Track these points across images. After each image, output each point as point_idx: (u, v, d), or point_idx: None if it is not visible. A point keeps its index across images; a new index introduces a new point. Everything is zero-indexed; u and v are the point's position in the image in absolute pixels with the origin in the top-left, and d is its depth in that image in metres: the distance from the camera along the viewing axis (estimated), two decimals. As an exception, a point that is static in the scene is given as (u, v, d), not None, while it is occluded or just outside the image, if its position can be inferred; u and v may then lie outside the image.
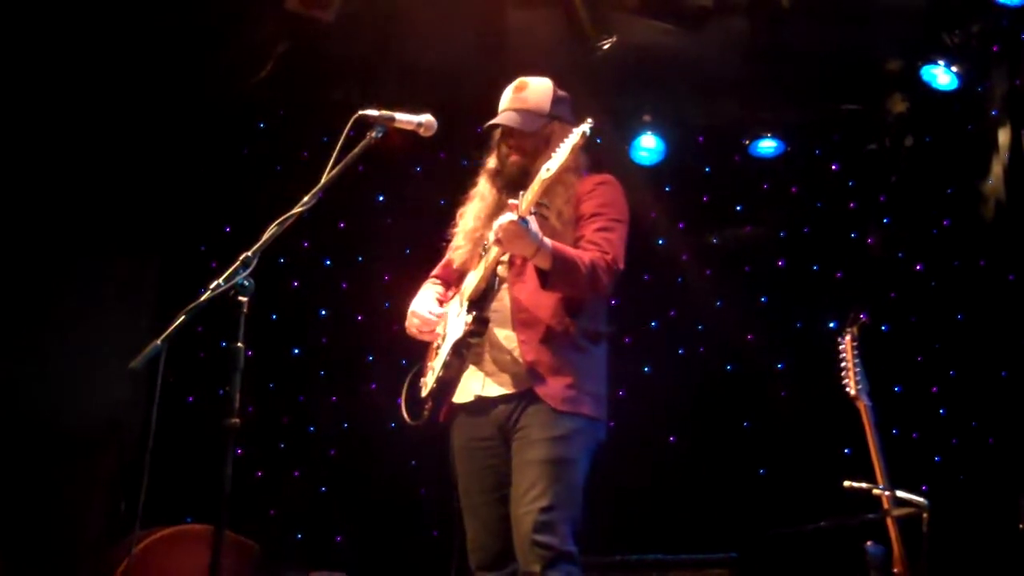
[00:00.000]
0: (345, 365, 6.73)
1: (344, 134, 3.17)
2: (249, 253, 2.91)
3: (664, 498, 6.17)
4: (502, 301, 3.56)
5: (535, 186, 3.27)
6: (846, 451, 5.68)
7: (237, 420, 2.83)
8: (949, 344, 6.25)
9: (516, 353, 3.50)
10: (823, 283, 6.57)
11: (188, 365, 5.95)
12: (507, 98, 3.75)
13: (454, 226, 3.85)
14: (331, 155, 3.16)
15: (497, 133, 3.75)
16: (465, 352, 3.55)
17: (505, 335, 3.54)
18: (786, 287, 6.67)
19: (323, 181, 3.12)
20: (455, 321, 3.57)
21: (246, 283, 2.87)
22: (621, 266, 3.55)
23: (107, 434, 5.89)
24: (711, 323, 6.73)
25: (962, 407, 6.13)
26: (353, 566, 5.34)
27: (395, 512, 6.44)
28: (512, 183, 3.59)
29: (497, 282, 3.52)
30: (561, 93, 3.78)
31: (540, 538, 3.26)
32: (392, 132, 3.33)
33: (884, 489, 4.23)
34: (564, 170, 3.39)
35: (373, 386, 6.67)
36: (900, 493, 4.23)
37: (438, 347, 3.65)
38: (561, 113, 3.72)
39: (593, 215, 3.60)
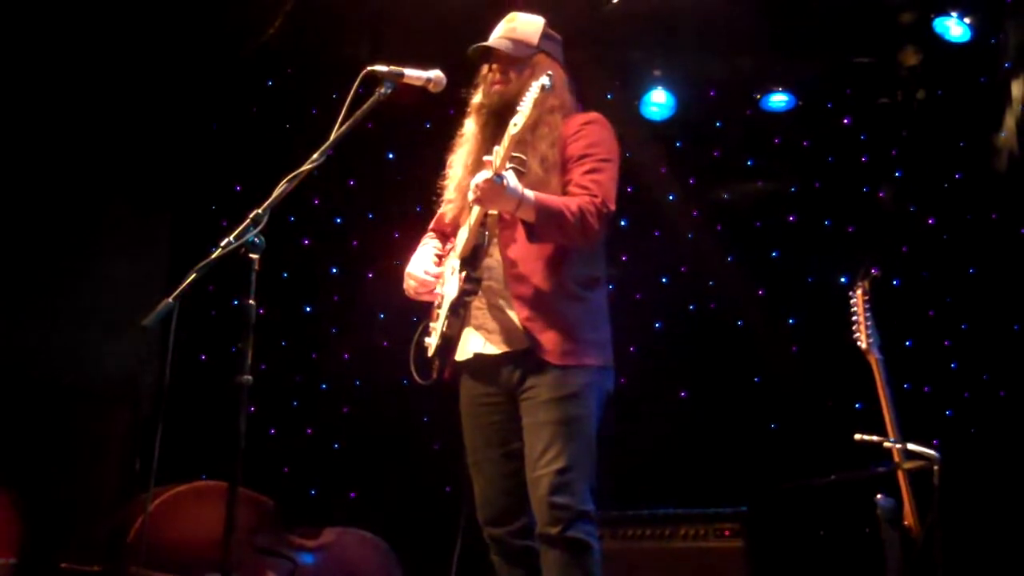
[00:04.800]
0: (357, 322, 6.74)
1: (353, 91, 3.16)
2: (259, 210, 2.92)
3: (675, 453, 6.19)
4: (494, 257, 3.53)
5: (506, 141, 3.21)
6: (857, 405, 5.68)
7: (250, 377, 2.85)
8: (961, 298, 6.23)
9: (511, 309, 3.47)
10: (834, 237, 6.55)
11: (200, 323, 5.98)
12: (497, 29, 3.72)
13: (444, 177, 3.80)
14: (340, 112, 3.15)
15: (484, 68, 3.70)
16: (463, 311, 3.53)
17: (499, 291, 3.51)
18: (797, 242, 6.65)
19: (332, 138, 3.12)
20: (451, 280, 3.55)
21: (257, 240, 2.88)
22: (612, 207, 3.46)
23: (121, 392, 5.93)
24: (722, 278, 6.72)
25: (973, 361, 6.12)
26: (367, 522, 5.36)
27: (408, 468, 6.48)
28: (496, 114, 3.55)
29: (488, 238, 3.47)
30: (551, 32, 3.74)
31: (557, 499, 3.26)
32: (401, 88, 3.32)
33: (895, 442, 4.24)
34: (546, 112, 3.41)
35: (385, 343, 6.68)
36: (911, 446, 4.23)
37: (439, 306, 3.63)
38: (549, 49, 3.68)
39: (581, 157, 3.51)
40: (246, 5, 6.02)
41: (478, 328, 3.56)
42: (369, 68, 3.24)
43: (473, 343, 3.56)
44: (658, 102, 6.68)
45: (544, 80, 3.18)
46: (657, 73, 6.65)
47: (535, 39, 3.66)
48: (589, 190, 3.44)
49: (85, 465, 5.70)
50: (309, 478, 6.47)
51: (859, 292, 4.51)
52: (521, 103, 3.21)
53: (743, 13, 5.99)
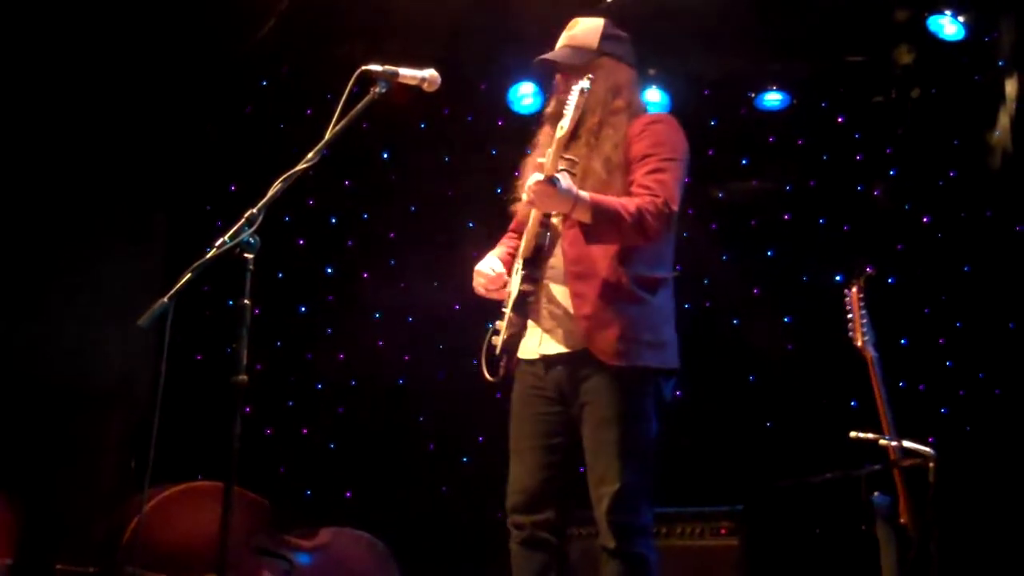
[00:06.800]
0: (352, 322, 6.74)
1: (348, 90, 3.15)
2: (254, 210, 2.90)
3: (670, 452, 6.15)
4: (557, 256, 3.56)
5: (554, 144, 3.27)
6: (853, 403, 5.69)
7: (245, 378, 2.84)
8: (956, 296, 6.25)
9: (570, 308, 3.50)
10: (829, 236, 6.56)
11: (196, 323, 5.97)
12: (560, 38, 3.77)
13: (519, 178, 3.81)
14: (335, 112, 3.15)
15: (557, 77, 3.74)
16: (524, 310, 3.57)
17: (560, 290, 3.54)
18: (792, 240, 6.65)
19: (327, 138, 3.11)
20: (515, 279, 3.60)
21: (251, 240, 2.87)
22: (675, 207, 3.47)
23: (116, 393, 5.92)
24: (717, 277, 6.72)
25: (969, 359, 6.13)
26: (363, 521, 5.36)
27: (404, 468, 6.48)
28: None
29: (550, 237, 3.52)
30: (614, 31, 3.77)
31: (616, 518, 3.34)
32: (396, 88, 3.31)
33: (890, 440, 4.25)
34: (610, 114, 3.48)
35: (380, 343, 6.69)
36: (906, 444, 4.24)
37: (505, 304, 3.66)
38: (611, 50, 3.71)
39: (644, 157, 3.53)
40: (240, 5, 6.00)
41: (540, 327, 3.59)
42: (364, 67, 3.23)
43: (533, 342, 3.60)
44: (653, 101, 6.66)
45: (584, 84, 3.24)
46: (651, 72, 6.64)
47: (594, 42, 3.70)
48: (651, 189, 3.45)
49: (80, 465, 5.70)
50: (305, 478, 6.46)
51: (854, 290, 4.51)
52: (565, 107, 3.27)
53: (737, 12, 5.98)
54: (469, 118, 6.75)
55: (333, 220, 6.92)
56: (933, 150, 6.43)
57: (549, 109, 3.75)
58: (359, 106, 3.18)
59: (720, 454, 6.17)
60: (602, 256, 3.48)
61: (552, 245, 3.55)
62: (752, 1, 5.99)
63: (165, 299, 2.75)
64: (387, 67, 3.28)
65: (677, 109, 6.67)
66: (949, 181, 6.42)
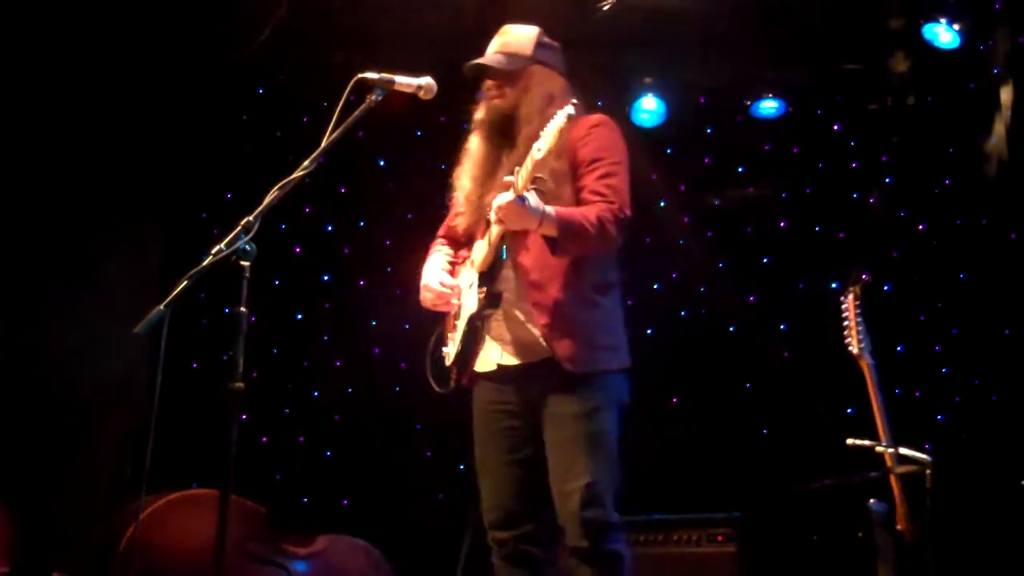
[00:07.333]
0: (348, 330, 6.74)
1: (344, 98, 3.16)
2: (250, 218, 2.91)
3: (667, 459, 6.18)
4: (510, 269, 3.55)
5: (528, 164, 3.20)
6: (849, 410, 5.69)
7: (242, 385, 2.84)
8: (951, 303, 6.25)
9: (529, 319, 3.49)
10: (825, 243, 6.56)
11: (192, 331, 5.97)
12: (491, 44, 3.76)
13: (452, 189, 3.81)
14: (331, 119, 3.15)
15: (486, 83, 3.72)
16: (480, 324, 3.55)
17: (515, 302, 3.53)
18: (788, 248, 6.66)
19: (323, 145, 3.12)
20: (469, 293, 3.56)
21: (248, 248, 2.88)
22: (628, 212, 3.48)
23: (112, 400, 5.92)
24: (713, 285, 6.72)
25: (965, 365, 6.13)
26: (359, 529, 5.36)
27: (400, 475, 6.47)
28: (496, 129, 3.59)
29: (505, 251, 3.50)
30: (547, 40, 3.75)
31: (587, 514, 3.31)
32: (392, 95, 3.32)
33: (887, 447, 4.25)
34: (547, 121, 3.30)
35: (376, 350, 6.68)
36: (903, 451, 4.25)
37: (456, 316, 3.64)
38: (544, 59, 3.69)
39: (592, 162, 3.52)
40: (237, 13, 6.01)
41: (496, 339, 3.58)
42: (360, 75, 3.24)
43: (493, 354, 3.58)
44: (648, 109, 6.68)
45: (569, 109, 3.13)
46: (647, 80, 6.66)
47: (528, 50, 3.68)
48: (605, 196, 3.46)
49: (76, 473, 5.69)
50: (301, 486, 6.45)
51: (850, 297, 4.52)
52: (545, 129, 3.17)
53: (733, 20, 6.00)
54: (464, 126, 6.75)
55: (329, 228, 6.91)
56: (929, 158, 6.44)
57: (478, 116, 3.74)
58: (355, 114, 3.19)
59: (717, 461, 6.17)
60: (555, 265, 3.47)
61: (507, 257, 3.53)
62: (748, 9, 6.00)
63: (162, 306, 2.75)
64: (383, 75, 3.29)
65: (673, 117, 6.70)
66: (945, 189, 6.42)
